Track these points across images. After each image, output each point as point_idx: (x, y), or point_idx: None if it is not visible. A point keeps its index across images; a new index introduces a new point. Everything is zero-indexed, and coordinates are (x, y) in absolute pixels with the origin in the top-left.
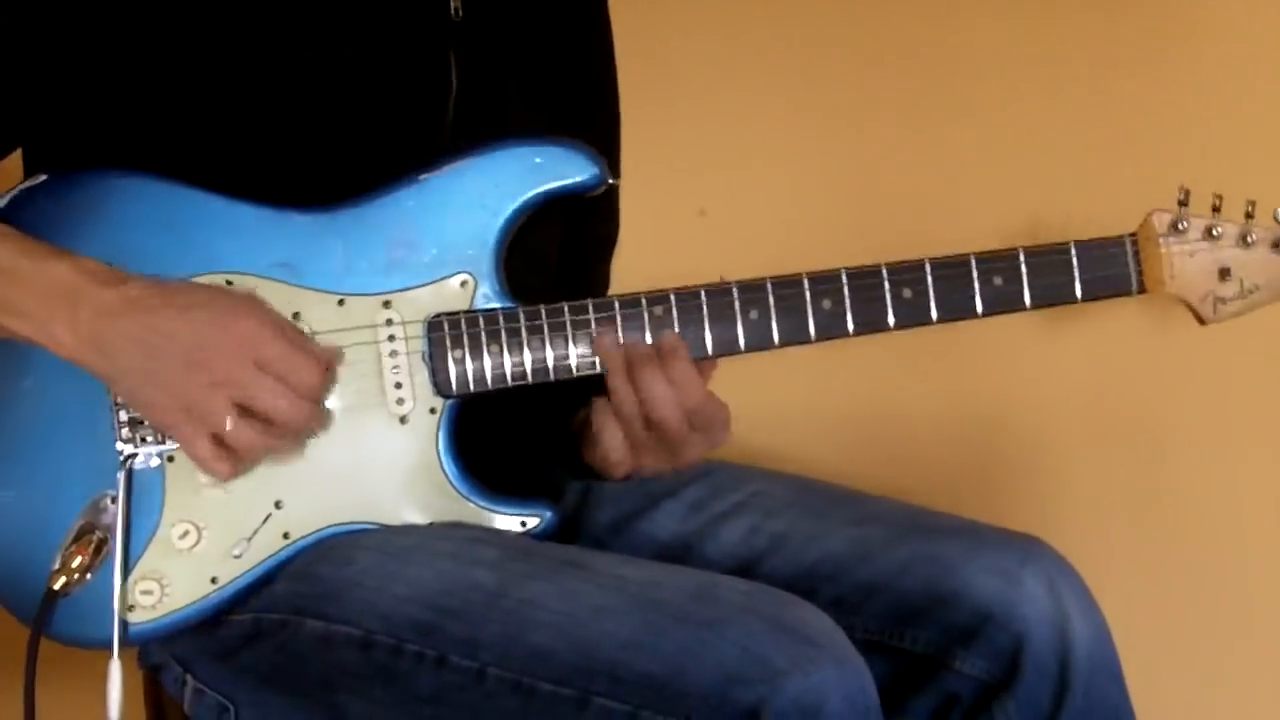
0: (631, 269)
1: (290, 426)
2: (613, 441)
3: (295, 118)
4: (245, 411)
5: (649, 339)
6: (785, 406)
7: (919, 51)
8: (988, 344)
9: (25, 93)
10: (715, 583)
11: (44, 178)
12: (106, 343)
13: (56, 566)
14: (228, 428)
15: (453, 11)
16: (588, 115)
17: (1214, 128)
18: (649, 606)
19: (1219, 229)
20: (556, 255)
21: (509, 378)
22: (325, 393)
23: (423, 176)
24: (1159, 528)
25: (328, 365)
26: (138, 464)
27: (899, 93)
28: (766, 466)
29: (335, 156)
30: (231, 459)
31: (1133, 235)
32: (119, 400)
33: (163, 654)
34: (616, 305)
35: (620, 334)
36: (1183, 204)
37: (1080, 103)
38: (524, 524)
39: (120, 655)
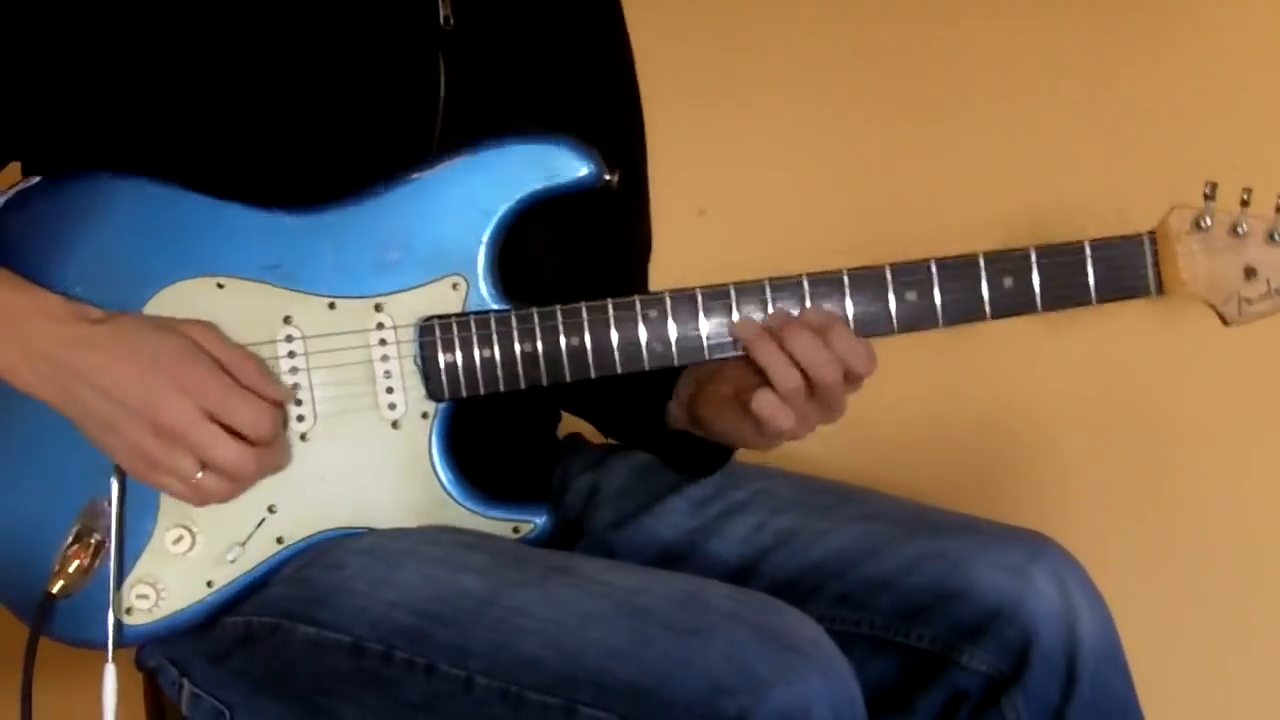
0: None
1: (242, 474)
2: (780, 415)
3: (283, 120)
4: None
5: (643, 333)
6: None
7: (918, 50)
8: (991, 341)
9: (21, 103)
10: (703, 589)
11: (37, 180)
12: (61, 381)
13: (55, 569)
14: (197, 478)
15: (442, 19)
16: (596, 122)
17: (1214, 115)
18: (635, 614)
19: (1243, 226)
20: (555, 258)
21: (501, 381)
22: (279, 429)
23: (414, 177)
24: (1162, 523)
25: (278, 403)
26: None
27: (899, 91)
28: (771, 464)
29: (322, 159)
30: (208, 496)
31: (1151, 233)
32: None
33: (159, 657)
34: (610, 307)
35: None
36: (1208, 198)
37: (1080, 97)
38: (516, 529)
39: (117, 656)
